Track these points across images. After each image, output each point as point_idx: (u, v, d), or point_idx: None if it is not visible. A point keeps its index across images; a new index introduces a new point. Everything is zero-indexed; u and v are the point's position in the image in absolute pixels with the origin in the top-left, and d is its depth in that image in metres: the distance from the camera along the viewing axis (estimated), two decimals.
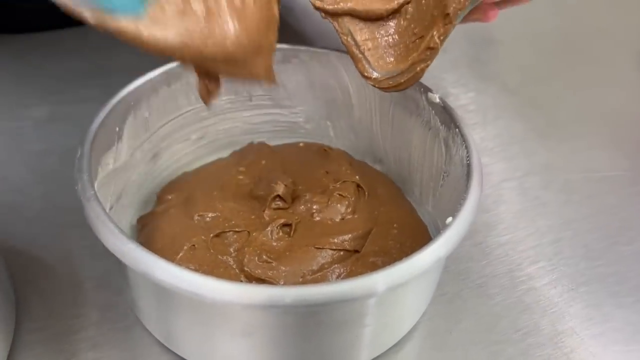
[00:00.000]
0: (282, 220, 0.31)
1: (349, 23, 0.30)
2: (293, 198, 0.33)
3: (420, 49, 0.28)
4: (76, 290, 0.31)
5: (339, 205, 0.32)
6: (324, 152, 0.37)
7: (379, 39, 0.30)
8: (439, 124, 0.32)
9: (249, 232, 0.31)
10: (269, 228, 0.30)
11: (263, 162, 0.35)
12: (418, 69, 0.29)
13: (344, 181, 0.33)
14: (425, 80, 0.30)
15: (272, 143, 0.38)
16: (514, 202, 0.39)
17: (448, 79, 0.35)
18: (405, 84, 0.29)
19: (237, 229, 0.31)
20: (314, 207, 0.32)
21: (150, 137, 0.33)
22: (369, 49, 0.30)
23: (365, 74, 0.30)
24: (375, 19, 0.30)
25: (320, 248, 0.30)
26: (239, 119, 0.38)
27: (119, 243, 0.24)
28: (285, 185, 0.32)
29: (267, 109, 0.38)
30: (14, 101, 0.44)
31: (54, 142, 0.40)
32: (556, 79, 0.50)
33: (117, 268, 0.27)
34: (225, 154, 0.38)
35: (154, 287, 0.25)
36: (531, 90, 0.49)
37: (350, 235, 0.31)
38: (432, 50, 0.28)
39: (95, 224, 0.25)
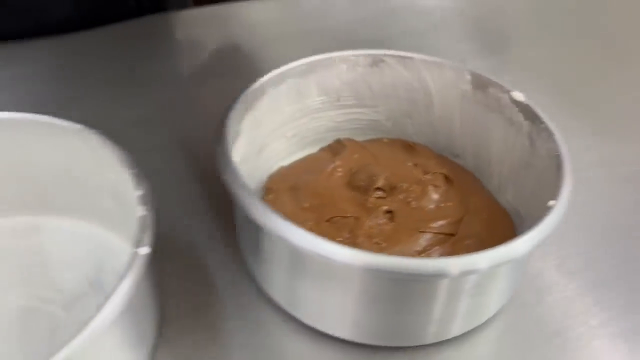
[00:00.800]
0: (385, 207, 0.34)
1: None
2: (390, 188, 0.36)
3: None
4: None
5: (432, 194, 0.36)
6: (409, 146, 0.40)
7: None
8: (523, 119, 0.36)
9: (355, 217, 0.34)
10: (374, 214, 0.34)
11: (355, 155, 0.39)
12: None
13: (434, 172, 0.37)
14: None
15: (356, 139, 0.42)
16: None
17: (505, 78, 0.38)
18: None
19: (346, 215, 0.34)
20: (411, 196, 0.35)
21: (259, 134, 0.37)
22: None
23: None
24: None
25: (423, 231, 0.33)
26: (326, 117, 0.41)
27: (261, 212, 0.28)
28: (385, 177, 0.36)
29: (352, 109, 0.42)
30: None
31: (148, 141, 0.44)
32: (610, 78, 0.54)
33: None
34: (314, 149, 0.41)
35: (291, 253, 0.29)
36: (585, 90, 0.52)
37: (445, 221, 0.34)
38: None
39: (243, 197, 0.29)
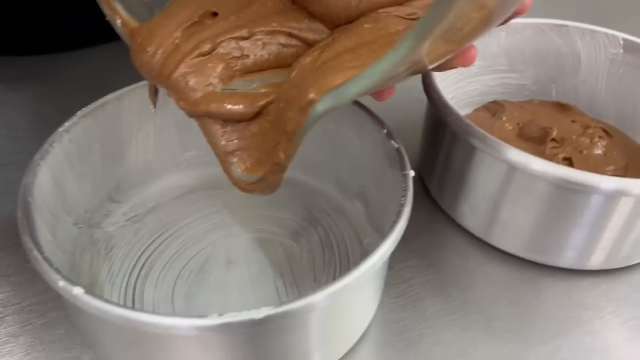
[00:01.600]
0: (562, 155, 0.39)
1: (212, 124, 0.28)
2: (560, 139, 0.40)
3: (271, 160, 0.27)
4: None
5: (599, 144, 0.40)
6: (561, 106, 0.45)
7: (243, 141, 0.28)
8: None
9: None
10: (554, 161, 0.38)
11: (516, 113, 0.43)
12: (270, 180, 0.27)
13: (595, 127, 0.41)
14: None
15: None
16: None
17: None
18: (262, 192, 0.28)
19: None
20: (581, 146, 0.40)
21: None
22: (231, 151, 0.28)
23: (229, 176, 0.28)
24: (238, 120, 0.28)
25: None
26: (480, 82, 0.46)
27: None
28: (557, 130, 0.40)
29: (504, 73, 0.46)
30: None
31: None
32: None
33: None
34: (467, 111, 0.46)
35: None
36: None
37: (614, 167, 0.39)
38: (279, 166, 0.26)
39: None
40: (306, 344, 0.27)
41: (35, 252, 0.25)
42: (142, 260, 0.34)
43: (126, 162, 0.37)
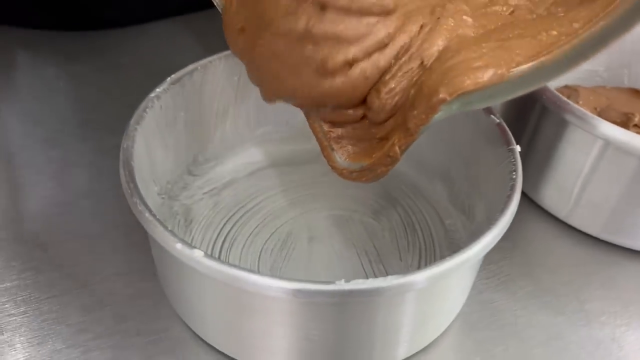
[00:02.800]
0: None
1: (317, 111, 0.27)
2: None
3: (382, 152, 0.26)
4: None
5: None
6: (636, 92, 0.44)
7: (346, 130, 0.27)
8: None
9: None
10: None
11: (590, 98, 0.42)
12: (379, 171, 0.26)
13: None
14: None
15: None
16: None
17: None
18: (366, 180, 0.27)
19: None
20: None
21: None
22: (335, 137, 0.27)
23: (330, 162, 0.28)
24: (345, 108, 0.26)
25: None
26: None
27: None
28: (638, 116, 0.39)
29: None
30: None
31: None
32: None
33: None
34: None
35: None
36: None
37: None
38: (392, 159, 0.25)
39: None
40: (397, 324, 0.26)
41: (148, 215, 0.24)
42: (224, 233, 0.34)
43: (205, 134, 0.36)
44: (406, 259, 0.33)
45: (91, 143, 0.39)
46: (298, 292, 0.22)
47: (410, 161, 0.38)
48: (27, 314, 0.29)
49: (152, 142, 0.30)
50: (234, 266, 0.22)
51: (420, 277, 0.23)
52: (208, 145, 0.36)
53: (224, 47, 0.29)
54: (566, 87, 0.45)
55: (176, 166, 0.34)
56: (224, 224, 0.34)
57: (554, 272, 0.34)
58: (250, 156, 0.38)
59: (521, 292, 0.32)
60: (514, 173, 0.27)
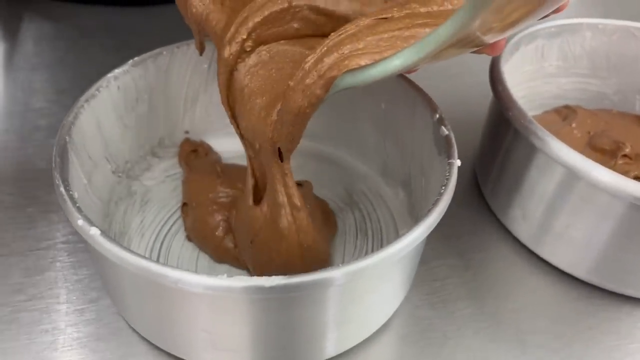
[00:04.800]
0: (634, 174, 0.35)
1: None
2: (635, 155, 0.37)
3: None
4: None
5: None
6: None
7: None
8: None
9: None
10: None
11: (588, 121, 0.40)
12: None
13: None
14: None
15: None
16: None
17: None
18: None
19: None
20: None
21: None
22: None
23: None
24: None
25: None
26: (556, 83, 0.42)
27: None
28: (631, 146, 0.36)
29: (583, 78, 0.43)
30: None
31: None
32: None
33: None
34: (535, 113, 0.43)
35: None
36: None
37: None
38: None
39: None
40: (322, 321, 0.26)
41: (62, 189, 0.25)
42: (175, 217, 0.34)
43: (172, 119, 0.36)
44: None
45: None
46: (179, 281, 0.22)
47: (377, 165, 0.37)
48: None
49: (105, 120, 0.31)
50: (122, 247, 0.23)
51: (335, 274, 0.23)
52: (175, 129, 0.37)
53: None
54: (566, 106, 0.43)
55: (138, 147, 0.35)
56: (178, 209, 0.35)
57: (502, 299, 0.32)
58: (221, 145, 0.38)
59: (459, 313, 0.31)
60: (443, 187, 0.26)
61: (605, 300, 0.32)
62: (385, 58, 0.22)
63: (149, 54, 0.33)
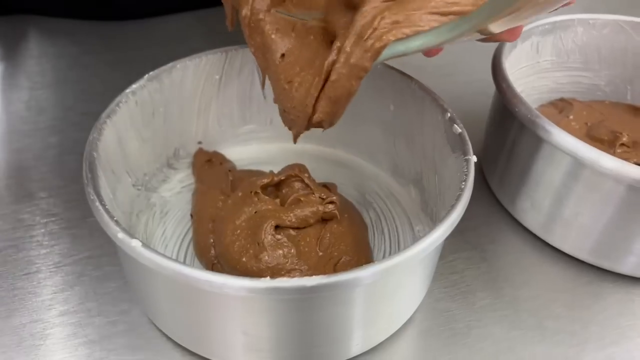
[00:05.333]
0: (633, 160, 0.37)
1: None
2: (632, 143, 0.38)
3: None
4: None
5: None
6: (635, 109, 0.42)
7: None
8: None
9: None
10: None
11: (584, 112, 0.41)
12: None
13: None
14: None
15: None
16: None
17: None
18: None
19: None
20: None
21: None
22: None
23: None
24: None
25: None
26: (551, 78, 0.44)
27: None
28: (628, 135, 0.38)
29: (576, 71, 0.44)
30: None
31: None
32: None
33: None
34: (534, 106, 0.44)
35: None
36: None
37: None
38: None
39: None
40: (349, 320, 0.27)
41: (98, 204, 0.26)
42: None
43: (186, 130, 0.37)
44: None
45: (88, 133, 0.41)
46: (224, 286, 0.23)
47: (388, 166, 0.38)
48: (1, 288, 0.32)
49: (125, 135, 0.32)
50: (166, 257, 0.24)
51: (341, 278, 0.23)
52: (189, 140, 0.37)
53: (235, 43, 0.32)
54: (561, 99, 0.44)
55: (155, 159, 0.36)
56: None
57: (519, 288, 0.34)
58: (232, 153, 0.39)
59: (480, 303, 0.32)
60: (463, 183, 0.28)
61: (617, 282, 0.34)
62: (424, 31, 0.24)
63: (163, 68, 0.34)
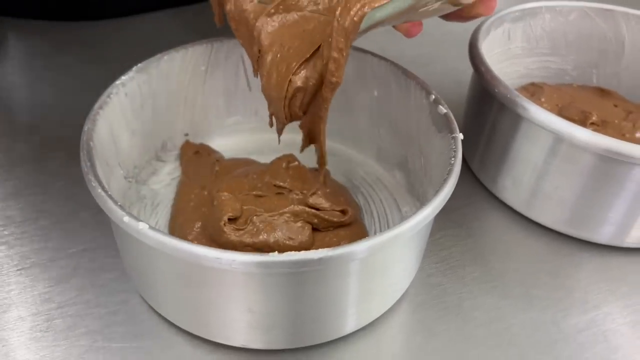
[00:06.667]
0: None
1: None
2: (601, 122, 0.40)
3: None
4: None
5: None
6: (601, 91, 0.45)
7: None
8: None
9: None
10: None
11: (554, 95, 0.43)
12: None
13: (638, 112, 0.41)
14: None
15: None
16: None
17: None
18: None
19: None
20: (624, 129, 0.40)
21: None
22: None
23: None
24: None
25: None
26: (522, 64, 0.46)
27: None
28: (597, 115, 0.40)
29: (545, 57, 0.46)
30: None
31: None
32: None
33: None
34: None
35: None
36: None
37: None
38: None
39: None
40: (344, 295, 0.28)
41: (100, 190, 0.26)
42: None
43: (174, 122, 0.37)
44: None
45: (70, 130, 0.41)
46: (233, 262, 0.24)
47: (372, 151, 0.39)
48: None
49: (116, 127, 0.32)
50: (174, 238, 0.24)
51: (336, 252, 0.24)
52: (176, 132, 0.38)
53: None
54: (532, 84, 0.46)
55: (145, 151, 0.36)
56: None
57: (504, 260, 0.35)
58: (220, 145, 0.40)
59: (469, 277, 0.34)
60: (452, 159, 0.29)
61: (595, 251, 0.36)
62: None
63: (151, 59, 0.34)
